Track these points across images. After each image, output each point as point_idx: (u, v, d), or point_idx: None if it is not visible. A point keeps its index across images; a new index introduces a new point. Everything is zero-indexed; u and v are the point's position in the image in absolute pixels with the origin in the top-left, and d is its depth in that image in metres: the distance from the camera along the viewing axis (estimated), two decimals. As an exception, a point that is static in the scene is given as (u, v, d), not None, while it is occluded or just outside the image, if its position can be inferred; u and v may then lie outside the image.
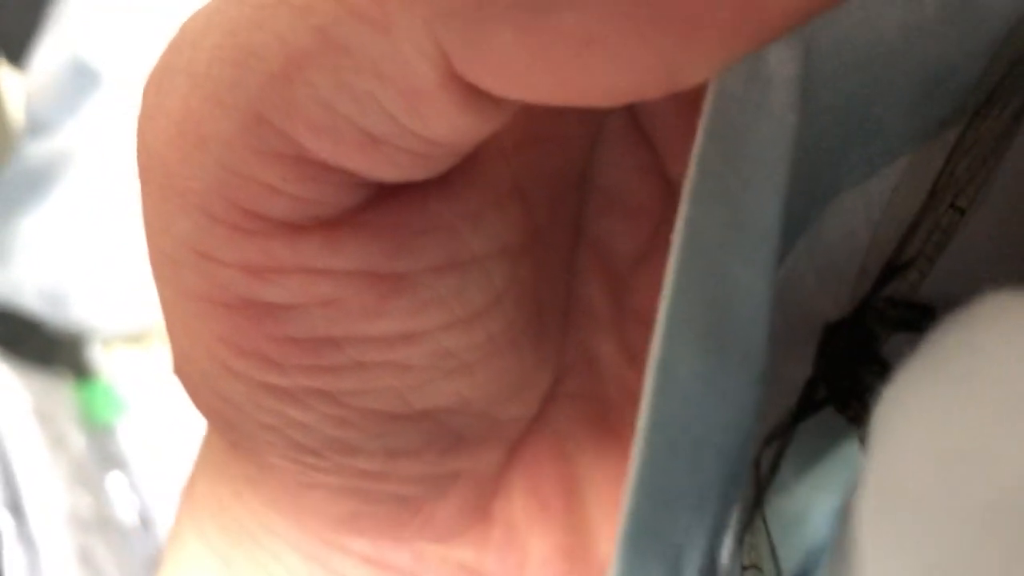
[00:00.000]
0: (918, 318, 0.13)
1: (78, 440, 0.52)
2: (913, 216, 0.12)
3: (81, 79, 0.52)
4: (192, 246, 0.12)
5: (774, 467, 0.14)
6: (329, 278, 0.12)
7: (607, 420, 0.16)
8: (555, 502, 0.16)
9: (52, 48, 0.53)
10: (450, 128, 0.11)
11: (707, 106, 0.10)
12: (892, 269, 0.13)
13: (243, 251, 0.12)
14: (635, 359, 0.16)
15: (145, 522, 0.51)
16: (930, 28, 0.10)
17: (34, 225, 0.54)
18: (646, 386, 0.09)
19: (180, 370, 0.14)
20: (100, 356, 0.55)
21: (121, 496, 0.52)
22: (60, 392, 0.53)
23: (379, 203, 0.12)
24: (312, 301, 0.12)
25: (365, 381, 0.13)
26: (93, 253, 0.53)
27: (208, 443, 0.17)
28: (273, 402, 0.13)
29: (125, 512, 0.51)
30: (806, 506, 0.18)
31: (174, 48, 0.12)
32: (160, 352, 0.55)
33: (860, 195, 0.12)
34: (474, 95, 0.10)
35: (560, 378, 0.16)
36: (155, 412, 0.54)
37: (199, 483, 0.17)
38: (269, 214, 0.12)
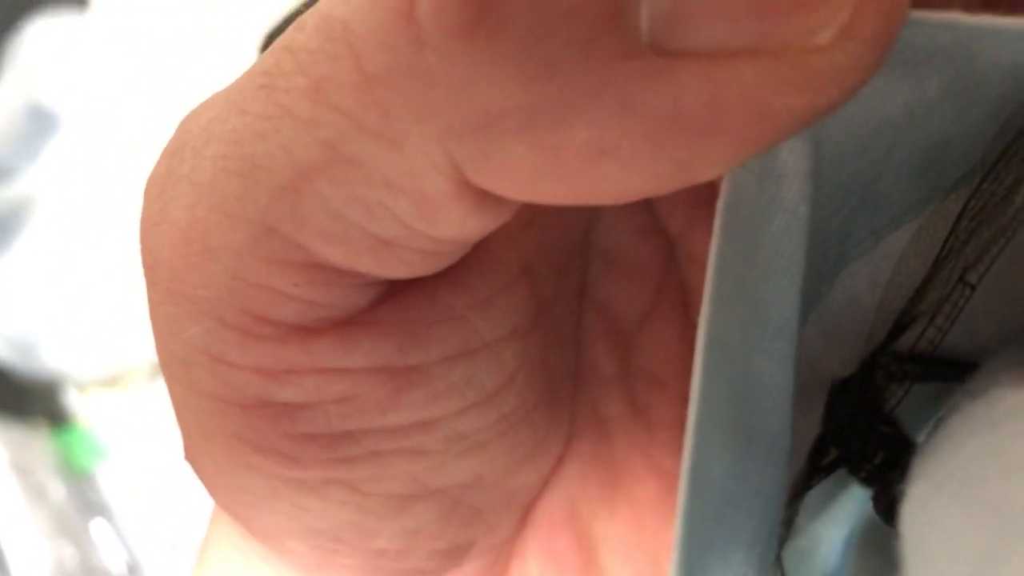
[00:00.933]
0: (927, 371, 0.13)
1: (58, 490, 0.51)
2: (920, 282, 0.12)
3: (40, 123, 0.51)
4: (204, 350, 0.12)
5: (788, 526, 0.14)
6: (343, 376, 0.12)
7: (618, 478, 0.17)
8: (571, 563, 0.16)
9: (8, 93, 0.52)
10: (461, 228, 0.11)
11: (721, 203, 0.10)
12: (898, 329, 0.13)
13: (256, 355, 0.12)
14: (643, 416, 0.16)
15: (132, 569, 0.50)
16: (932, 106, 0.11)
17: (-1, 273, 0.53)
18: (681, 488, 0.10)
19: (192, 458, 0.14)
20: (76, 401, 0.54)
21: (106, 544, 0.51)
22: (36, 442, 0.52)
23: (389, 299, 0.12)
24: (327, 399, 0.12)
25: (381, 468, 0.13)
26: (61, 298, 0.52)
27: (219, 518, 0.17)
28: (290, 493, 0.13)
29: (111, 560, 0.50)
30: (817, 539, 0.18)
31: (173, 152, 0.12)
32: (138, 393, 0.54)
33: (867, 260, 0.13)
34: (486, 198, 0.10)
35: (571, 440, 0.16)
36: (136, 454, 0.53)
37: (211, 558, 0.17)
38: (281, 319, 0.12)
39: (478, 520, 0.15)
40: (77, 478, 0.52)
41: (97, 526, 0.51)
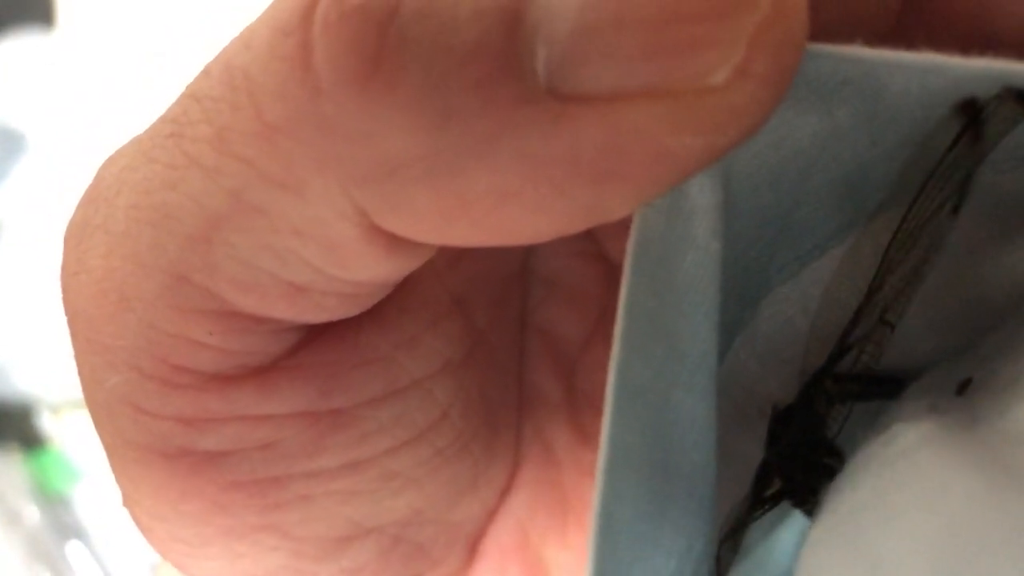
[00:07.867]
0: (867, 390, 0.13)
1: (32, 513, 0.51)
2: (852, 310, 0.12)
3: (7, 143, 0.51)
4: (125, 400, 0.12)
5: (734, 553, 0.14)
6: (266, 423, 0.12)
7: (567, 504, 0.16)
8: None
9: (-27, 115, 0.51)
10: (376, 271, 0.11)
11: (631, 243, 0.10)
12: (833, 359, 0.13)
13: (176, 405, 0.12)
14: (591, 441, 0.16)
15: (109, 593, 0.50)
16: (842, 134, 0.11)
17: (-31, 296, 0.52)
18: (590, 534, 0.09)
19: (128, 506, 0.14)
20: (49, 424, 0.54)
21: (82, 567, 0.50)
22: (9, 466, 0.52)
23: (310, 343, 0.12)
24: (250, 446, 0.12)
25: (312, 511, 0.13)
26: (32, 320, 0.52)
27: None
28: (222, 540, 0.13)
29: (88, 584, 0.50)
30: (771, 546, 0.18)
31: (90, 201, 0.12)
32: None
33: (794, 285, 0.13)
34: (398, 242, 0.10)
35: (518, 468, 0.16)
36: (111, 476, 0.52)
37: None
38: (198, 368, 0.12)
39: (421, 555, 0.15)
40: (52, 501, 0.52)
41: (73, 549, 0.51)
